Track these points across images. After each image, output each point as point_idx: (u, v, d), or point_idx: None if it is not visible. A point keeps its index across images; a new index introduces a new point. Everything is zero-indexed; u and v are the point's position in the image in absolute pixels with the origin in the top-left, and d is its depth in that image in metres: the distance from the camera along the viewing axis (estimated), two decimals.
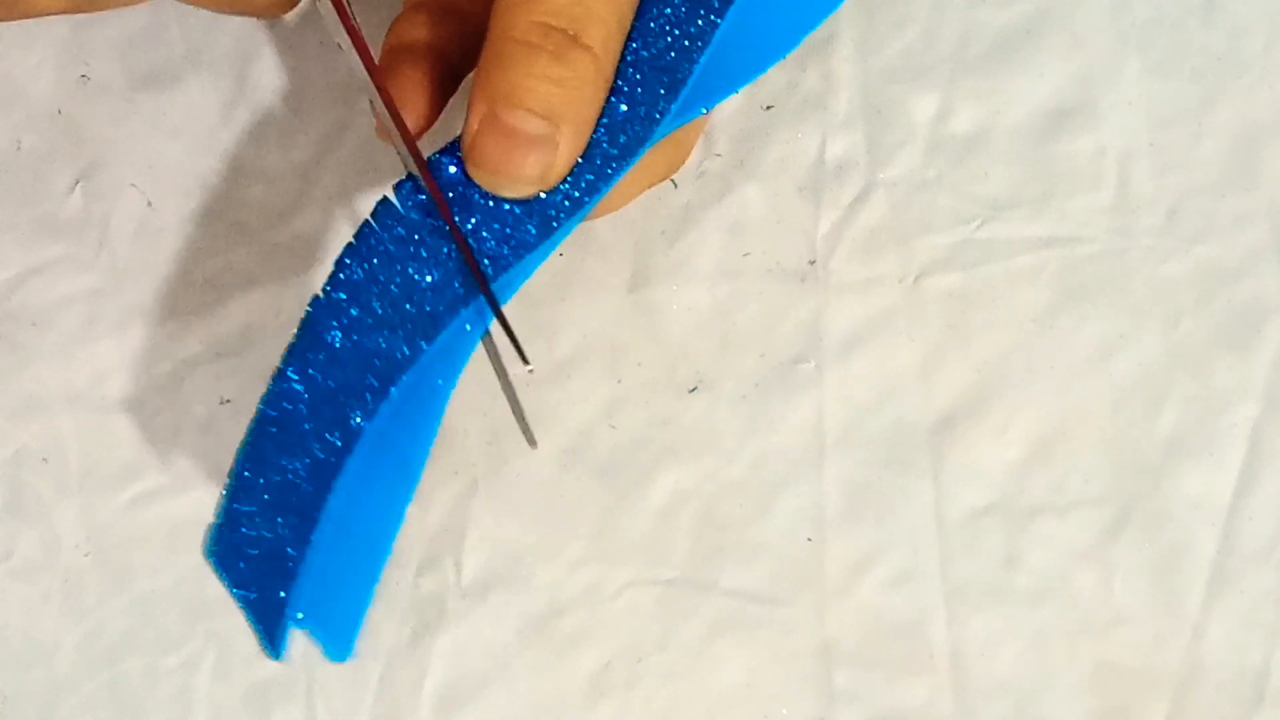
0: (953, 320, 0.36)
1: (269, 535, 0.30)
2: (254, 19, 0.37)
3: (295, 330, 0.29)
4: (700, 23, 0.29)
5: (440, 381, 0.30)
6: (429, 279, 0.29)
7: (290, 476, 0.30)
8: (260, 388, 0.37)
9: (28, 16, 0.31)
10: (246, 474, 0.30)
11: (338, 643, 0.32)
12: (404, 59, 0.30)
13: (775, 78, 0.37)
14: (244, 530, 0.30)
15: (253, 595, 0.30)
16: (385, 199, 0.30)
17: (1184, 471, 0.35)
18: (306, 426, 0.29)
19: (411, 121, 0.30)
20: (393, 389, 0.29)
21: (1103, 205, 0.36)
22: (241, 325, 0.37)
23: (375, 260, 0.29)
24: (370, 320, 0.29)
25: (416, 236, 0.29)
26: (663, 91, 0.29)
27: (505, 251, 0.29)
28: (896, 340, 0.36)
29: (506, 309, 0.30)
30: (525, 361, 0.30)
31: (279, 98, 0.37)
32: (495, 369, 0.31)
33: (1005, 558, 0.36)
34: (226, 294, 0.37)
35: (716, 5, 0.30)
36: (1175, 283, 0.36)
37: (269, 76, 0.37)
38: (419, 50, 0.31)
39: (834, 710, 0.36)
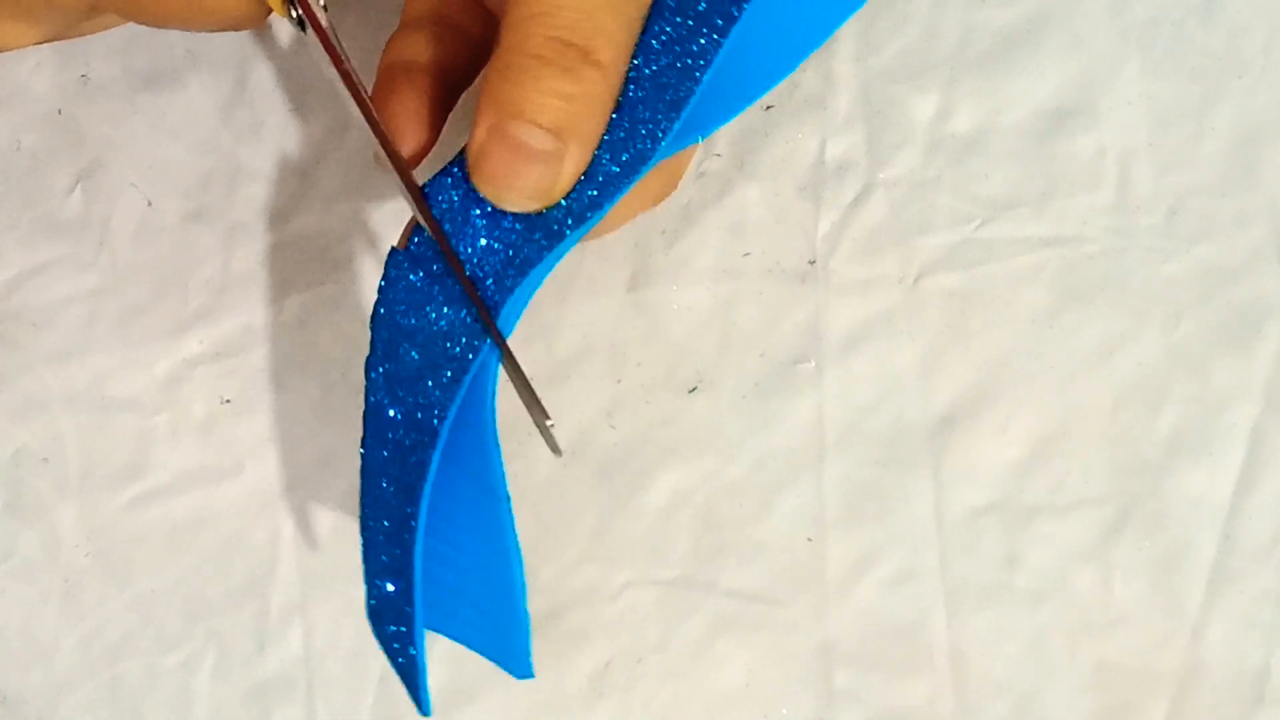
0: (953, 320, 0.36)
1: (390, 600, 0.31)
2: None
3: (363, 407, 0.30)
4: (703, 41, 0.29)
5: (483, 405, 0.31)
6: (445, 322, 0.30)
7: (383, 539, 0.31)
8: (260, 388, 0.37)
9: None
10: (366, 548, 0.31)
11: (517, 663, 0.33)
12: (400, 81, 0.30)
13: None
14: (375, 603, 0.31)
15: (399, 660, 0.32)
16: (392, 250, 0.30)
17: (1184, 471, 0.35)
18: (389, 488, 0.31)
19: (410, 147, 0.30)
20: (443, 428, 0.30)
21: (1103, 205, 0.36)
22: (241, 325, 0.37)
23: (397, 317, 0.30)
24: (410, 375, 0.30)
25: (425, 283, 0.30)
26: (665, 109, 0.29)
27: (510, 271, 0.29)
28: (896, 340, 0.36)
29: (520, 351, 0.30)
30: (546, 417, 0.30)
31: (279, 98, 0.37)
32: (514, 381, 0.31)
33: (1005, 557, 0.36)
34: (226, 294, 0.37)
35: (719, 24, 0.29)
36: (1175, 283, 0.36)
37: (269, 76, 0.37)
38: (416, 70, 0.30)
39: (834, 710, 0.36)
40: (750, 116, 0.37)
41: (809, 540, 0.36)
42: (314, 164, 0.37)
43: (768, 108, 0.37)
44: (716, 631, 0.36)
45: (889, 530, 0.36)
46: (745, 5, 0.29)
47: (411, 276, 0.30)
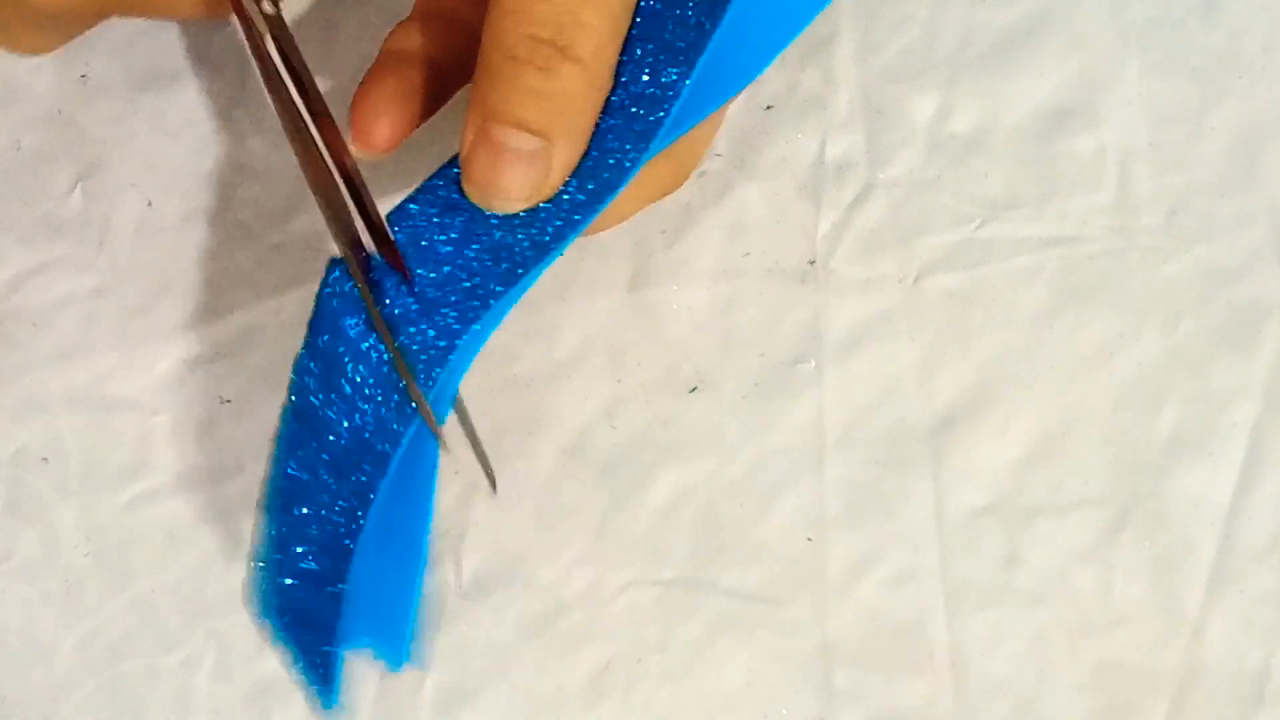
0: (953, 320, 0.36)
1: (305, 599, 0.31)
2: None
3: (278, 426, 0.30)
4: (674, 74, 0.29)
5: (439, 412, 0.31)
6: (363, 416, 0.29)
7: (314, 536, 0.30)
8: (260, 388, 0.37)
9: (15, 51, 0.31)
10: (273, 537, 0.30)
11: (395, 654, 0.32)
12: (388, 68, 0.30)
13: (775, 78, 0.37)
14: (283, 590, 0.31)
15: (301, 648, 0.31)
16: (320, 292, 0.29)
17: (1184, 471, 0.35)
18: (320, 495, 0.30)
19: (382, 132, 0.30)
20: (397, 450, 0.29)
21: (1103, 205, 0.36)
22: (241, 325, 0.37)
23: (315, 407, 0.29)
24: (334, 463, 0.29)
25: (349, 347, 0.29)
26: (634, 139, 0.29)
27: (500, 270, 0.29)
28: (896, 340, 0.36)
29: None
30: (492, 484, 0.30)
31: None
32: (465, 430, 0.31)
33: (1005, 557, 0.36)
34: (226, 294, 0.37)
35: (689, 56, 0.29)
36: (1175, 283, 0.36)
37: None
38: (409, 59, 0.30)
39: (834, 710, 0.36)
40: (750, 116, 0.37)
41: (809, 540, 0.36)
42: None
43: (768, 108, 0.37)
44: (716, 631, 0.36)
45: (889, 530, 0.36)
46: (714, 35, 0.29)
47: (312, 366, 0.29)
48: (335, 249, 0.37)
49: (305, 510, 0.30)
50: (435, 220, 0.29)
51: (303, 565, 0.30)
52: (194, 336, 0.37)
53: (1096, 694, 0.35)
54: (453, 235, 0.29)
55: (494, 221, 0.29)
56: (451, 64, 0.31)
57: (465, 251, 0.29)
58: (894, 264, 0.36)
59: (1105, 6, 0.36)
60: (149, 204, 0.37)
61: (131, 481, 0.37)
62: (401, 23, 0.31)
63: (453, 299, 0.29)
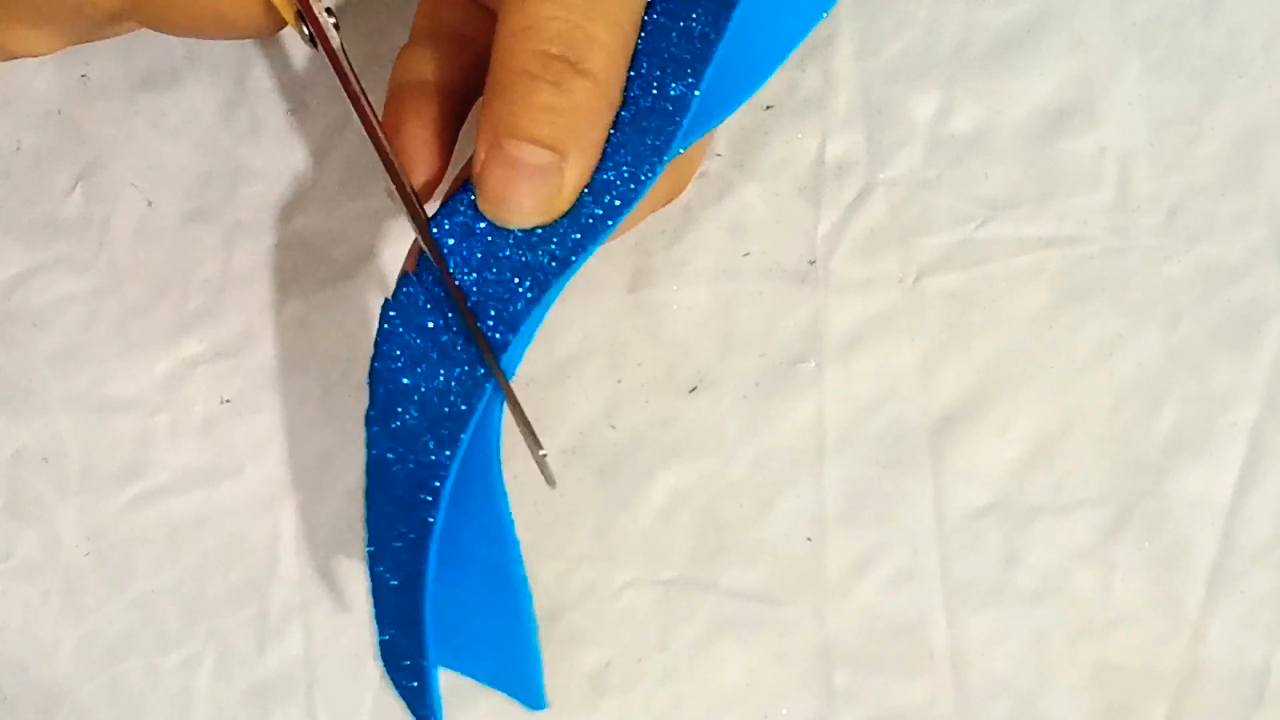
0: (953, 320, 0.36)
1: (401, 643, 0.32)
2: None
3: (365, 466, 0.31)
4: (681, 89, 0.29)
5: (488, 457, 0.31)
6: (441, 380, 0.30)
7: (392, 590, 0.31)
8: (260, 388, 0.37)
9: (14, 57, 0.31)
10: (375, 593, 0.32)
11: (529, 695, 0.34)
12: (409, 106, 0.30)
13: (775, 78, 0.37)
14: (389, 638, 0.32)
15: (407, 694, 0.33)
16: (386, 303, 0.30)
17: (1184, 471, 0.35)
18: (394, 542, 0.31)
19: (420, 178, 0.30)
20: (445, 487, 0.30)
21: (1103, 205, 0.36)
22: (241, 325, 0.37)
23: (394, 374, 0.30)
24: (409, 432, 0.30)
25: (421, 338, 0.30)
26: (647, 153, 0.29)
27: (522, 289, 0.29)
28: (896, 340, 0.36)
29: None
30: (539, 446, 0.30)
31: (279, 98, 0.37)
32: (515, 417, 0.31)
33: (1005, 558, 0.36)
34: (226, 294, 0.37)
35: (697, 68, 0.29)
36: (1175, 283, 0.36)
37: (269, 76, 0.37)
38: (425, 91, 0.30)
39: (834, 710, 0.36)
40: (750, 116, 0.37)
41: (809, 540, 0.36)
42: (314, 164, 0.37)
43: (768, 108, 0.37)
44: (716, 631, 0.36)
45: (889, 530, 0.36)
46: (719, 45, 0.29)
47: (404, 331, 0.29)
48: (335, 249, 0.37)
49: (390, 561, 0.31)
50: (453, 244, 0.29)
51: (395, 610, 0.32)
52: (194, 336, 0.37)
53: (1096, 694, 0.35)
54: (476, 257, 0.29)
55: (512, 240, 0.29)
56: (463, 84, 0.31)
57: (486, 275, 0.29)
58: (894, 264, 0.36)
59: (1105, 6, 0.36)
60: (149, 204, 0.37)
61: (131, 481, 0.37)
62: (405, 47, 0.31)
63: (484, 322, 0.29)
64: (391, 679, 0.33)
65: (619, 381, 0.36)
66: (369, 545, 0.31)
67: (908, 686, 0.35)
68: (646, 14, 0.29)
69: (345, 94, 0.29)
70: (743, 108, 0.37)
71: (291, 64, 0.37)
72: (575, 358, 0.36)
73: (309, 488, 0.37)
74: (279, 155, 0.37)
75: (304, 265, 0.37)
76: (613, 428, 0.36)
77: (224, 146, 0.37)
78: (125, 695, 0.36)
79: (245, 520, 0.37)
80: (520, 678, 0.34)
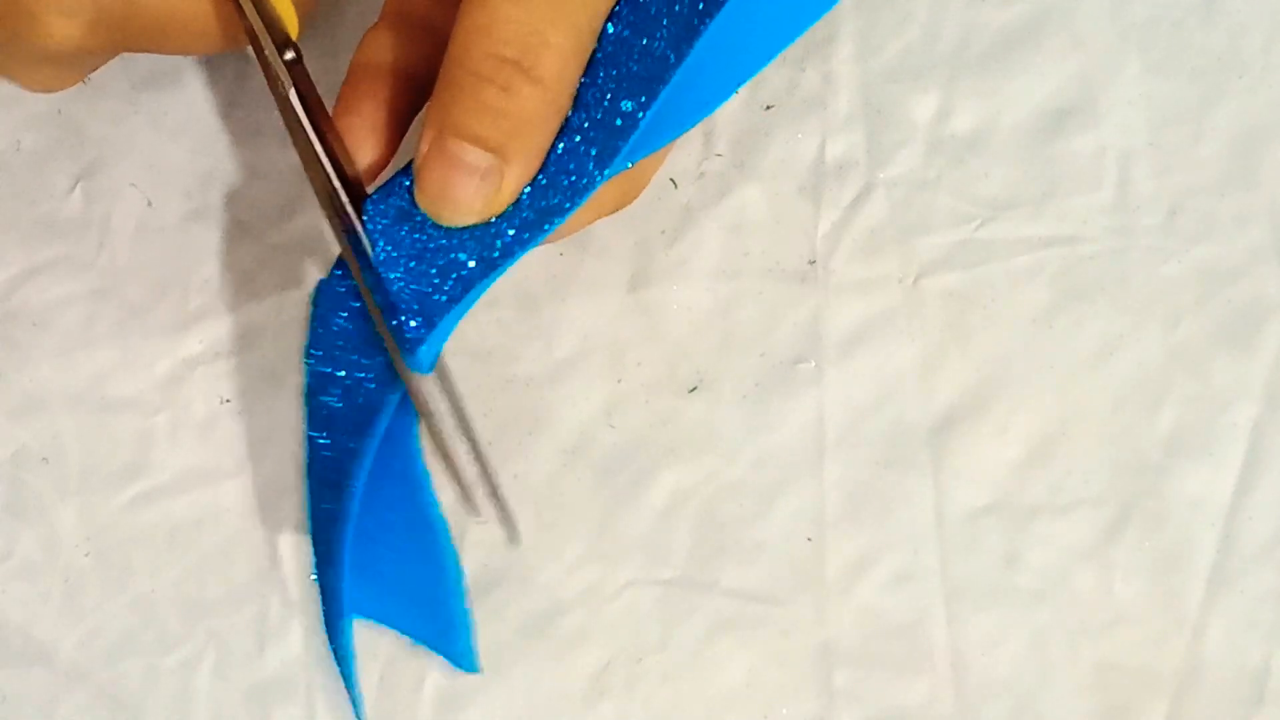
0: (953, 320, 0.36)
1: (322, 565, 0.33)
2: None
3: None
4: (630, 105, 0.29)
5: (406, 437, 0.32)
6: (360, 373, 0.30)
7: (327, 511, 0.32)
8: (260, 388, 0.37)
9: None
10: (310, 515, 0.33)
11: (463, 658, 0.35)
12: (365, 87, 0.30)
13: (775, 78, 0.37)
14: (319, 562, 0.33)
15: (325, 617, 0.33)
16: (316, 287, 0.30)
17: (1184, 471, 0.35)
18: (323, 519, 0.32)
19: (365, 161, 0.30)
20: (360, 474, 0.30)
21: (1103, 205, 0.36)
22: (241, 325, 0.37)
23: (318, 363, 0.31)
24: (333, 418, 0.31)
25: (343, 328, 0.30)
26: (591, 164, 0.29)
27: (447, 286, 0.29)
28: (896, 340, 0.36)
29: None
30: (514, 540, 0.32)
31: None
32: (473, 452, 0.32)
33: (1005, 557, 0.36)
34: (226, 294, 0.37)
35: (652, 89, 0.29)
36: (1175, 283, 0.36)
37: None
38: (383, 75, 0.30)
39: (834, 710, 0.36)
40: (750, 116, 0.37)
41: (809, 540, 0.36)
42: None
43: (768, 108, 0.37)
44: (716, 631, 0.36)
45: (889, 530, 0.36)
46: (678, 69, 0.29)
47: (330, 318, 0.30)
48: (335, 249, 0.37)
49: (322, 488, 0.32)
50: (385, 224, 0.29)
51: (322, 539, 0.32)
52: (194, 336, 0.37)
53: (1096, 694, 0.35)
54: (405, 244, 0.29)
55: (443, 233, 0.29)
56: (425, 71, 0.31)
57: (411, 264, 0.29)
58: (894, 264, 0.36)
59: (1105, 6, 0.36)
60: (149, 204, 0.37)
61: (131, 481, 0.37)
62: (371, 29, 0.31)
63: (403, 313, 0.29)
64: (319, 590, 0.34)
65: (619, 381, 0.36)
66: (308, 506, 0.32)
67: (908, 686, 0.35)
68: (612, 25, 0.29)
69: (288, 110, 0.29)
70: (743, 108, 0.37)
71: None
72: (575, 358, 0.36)
73: None
74: (279, 155, 0.37)
75: (304, 265, 0.37)
76: (613, 428, 0.36)
77: (224, 146, 0.37)
78: (125, 695, 0.36)
79: (245, 520, 0.37)
80: (453, 641, 0.35)
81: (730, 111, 0.37)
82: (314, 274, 0.37)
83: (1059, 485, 0.36)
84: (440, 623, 0.34)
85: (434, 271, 0.29)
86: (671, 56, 0.29)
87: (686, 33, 0.28)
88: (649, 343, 0.36)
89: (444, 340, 0.31)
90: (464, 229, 0.29)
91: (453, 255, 0.29)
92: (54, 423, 0.37)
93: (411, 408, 0.31)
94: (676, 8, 0.29)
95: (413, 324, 0.29)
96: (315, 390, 0.31)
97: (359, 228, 0.29)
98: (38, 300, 0.37)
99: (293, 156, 0.37)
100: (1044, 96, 0.36)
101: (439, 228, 0.29)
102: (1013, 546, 0.36)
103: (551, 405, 0.36)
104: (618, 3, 0.29)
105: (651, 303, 0.36)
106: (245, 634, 0.36)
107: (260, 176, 0.37)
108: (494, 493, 0.31)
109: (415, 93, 0.31)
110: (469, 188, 0.28)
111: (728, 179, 0.37)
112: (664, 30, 0.29)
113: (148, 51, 0.31)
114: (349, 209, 0.29)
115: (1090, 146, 0.36)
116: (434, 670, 0.36)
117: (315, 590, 0.33)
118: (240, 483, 0.37)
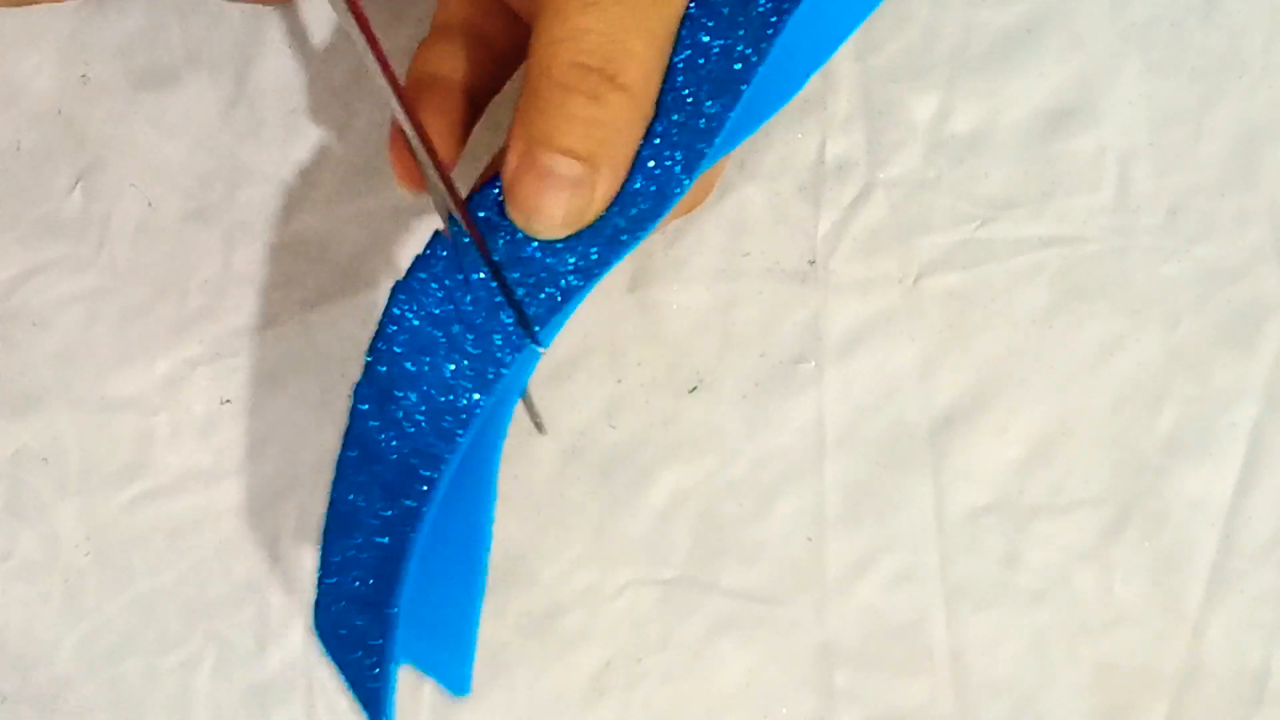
0: (953, 320, 0.36)
1: (355, 623, 0.31)
2: (257, 7, 0.37)
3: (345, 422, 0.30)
4: (716, 108, 0.29)
5: (491, 439, 0.31)
6: (449, 371, 0.29)
7: (365, 561, 0.31)
8: (260, 388, 0.37)
9: (35, 2, 0.30)
10: (328, 561, 0.31)
11: (456, 680, 0.34)
12: (426, 100, 0.30)
13: None
14: (336, 613, 0.32)
15: (350, 670, 0.32)
16: (396, 285, 0.29)
17: (1184, 471, 0.35)
18: (371, 520, 0.30)
19: (412, 184, 0.30)
20: (442, 480, 0.29)
21: (1103, 205, 0.36)
22: (241, 325, 0.37)
23: (400, 360, 0.29)
24: (409, 421, 0.30)
25: (429, 327, 0.29)
26: (699, 128, 0.29)
27: (543, 297, 0.29)
28: (896, 340, 0.36)
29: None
30: (540, 429, 0.30)
31: (279, 98, 0.37)
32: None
33: (1005, 558, 0.36)
34: (226, 294, 0.37)
35: (737, 89, 0.29)
36: (1175, 283, 0.36)
37: (269, 76, 0.37)
38: (444, 88, 0.30)
39: (834, 710, 0.36)
40: None
41: (809, 540, 0.36)
42: (314, 164, 0.37)
43: None
44: (716, 631, 0.36)
45: (889, 530, 0.36)
46: (759, 68, 0.28)
47: (412, 317, 0.29)
48: (335, 249, 0.37)
49: (359, 537, 0.30)
50: (470, 244, 0.29)
51: (355, 587, 0.31)
52: (194, 336, 0.37)
53: (1096, 694, 0.35)
54: (494, 258, 0.29)
55: (536, 244, 0.29)
56: (480, 83, 0.31)
57: (509, 275, 0.29)
58: (894, 264, 0.36)
59: (1105, 6, 0.36)
60: (149, 204, 0.37)
61: (131, 481, 0.37)
62: (425, 42, 0.31)
63: (499, 325, 0.29)
64: (326, 648, 0.32)
65: (619, 381, 0.36)
66: (330, 519, 0.30)
67: (908, 686, 0.35)
68: (687, 31, 0.29)
69: (373, 62, 0.29)
70: None
71: (292, 64, 0.37)
72: (575, 358, 0.36)
73: (309, 488, 0.37)
74: (279, 155, 0.37)
75: (304, 265, 0.37)
76: (613, 428, 0.36)
77: (224, 146, 0.37)
78: (125, 695, 0.36)
79: (245, 520, 0.37)
80: (451, 663, 0.34)
81: None
82: (314, 274, 0.37)
83: (1059, 485, 0.36)
84: (446, 644, 0.34)
85: (532, 282, 0.29)
86: (753, 55, 0.28)
87: (764, 30, 0.28)
88: (649, 343, 0.36)
89: (539, 355, 0.30)
90: (555, 241, 0.29)
91: (548, 263, 0.29)
92: (54, 423, 0.37)
93: (492, 422, 0.30)
94: (752, 9, 0.28)
95: (514, 339, 0.29)
96: (385, 389, 0.29)
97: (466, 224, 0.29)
98: (38, 300, 0.37)
99: (293, 156, 0.37)
100: (1044, 96, 0.36)
101: (530, 239, 0.29)
102: (1013, 546, 0.36)
103: (551, 405, 0.36)
104: (690, 5, 0.29)
105: (651, 303, 0.37)
106: (245, 634, 0.36)
107: (260, 176, 0.37)
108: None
109: (472, 102, 0.31)
110: (561, 199, 0.28)
111: (728, 179, 0.37)
112: (742, 30, 0.29)
113: None
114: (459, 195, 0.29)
115: (1090, 146, 0.36)
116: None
117: (314, 591, 0.33)
118: (240, 483, 0.37)
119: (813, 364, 0.36)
